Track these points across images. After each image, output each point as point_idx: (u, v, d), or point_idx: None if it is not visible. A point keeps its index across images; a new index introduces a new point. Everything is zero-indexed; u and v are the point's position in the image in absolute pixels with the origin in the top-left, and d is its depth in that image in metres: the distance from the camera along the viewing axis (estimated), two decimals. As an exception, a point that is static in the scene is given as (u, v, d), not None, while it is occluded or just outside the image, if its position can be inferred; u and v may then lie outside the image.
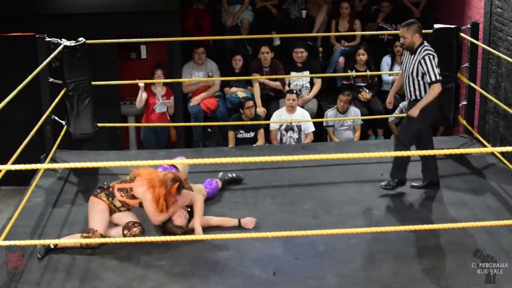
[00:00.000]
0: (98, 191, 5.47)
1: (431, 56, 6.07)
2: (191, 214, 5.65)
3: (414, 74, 6.13)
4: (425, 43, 6.16)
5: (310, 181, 6.65)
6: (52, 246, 5.30)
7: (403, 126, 6.37)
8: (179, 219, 5.53)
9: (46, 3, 9.01)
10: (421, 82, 6.14)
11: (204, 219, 5.70)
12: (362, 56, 9.29)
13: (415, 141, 6.34)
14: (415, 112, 6.11)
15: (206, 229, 5.64)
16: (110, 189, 5.43)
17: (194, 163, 4.75)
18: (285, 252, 5.33)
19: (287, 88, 9.15)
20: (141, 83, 8.77)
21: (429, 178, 6.39)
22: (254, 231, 5.58)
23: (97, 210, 5.39)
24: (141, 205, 5.42)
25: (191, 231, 5.58)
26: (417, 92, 6.17)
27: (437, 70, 6.07)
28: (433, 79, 6.05)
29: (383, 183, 6.36)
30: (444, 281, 4.92)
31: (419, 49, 6.12)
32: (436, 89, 6.08)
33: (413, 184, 6.40)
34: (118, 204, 5.42)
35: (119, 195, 5.40)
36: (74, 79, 6.98)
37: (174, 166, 6.04)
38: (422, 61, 6.06)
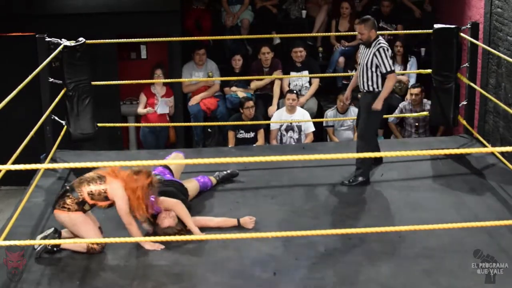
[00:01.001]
0: (67, 202, 5.20)
1: (384, 49, 6.41)
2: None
3: (369, 66, 6.44)
4: (380, 38, 6.49)
5: (310, 181, 6.65)
6: (55, 249, 5.27)
7: (363, 122, 6.56)
8: (165, 220, 5.50)
9: (46, 3, 9.02)
10: (374, 74, 6.44)
11: (203, 220, 5.70)
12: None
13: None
14: (378, 104, 6.42)
15: (206, 229, 5.64)
16: (78, 194, 5.19)
17: (194, 163, 4.76)
18: (285, 252, 5.33)
19: (286, 88, 9.16)
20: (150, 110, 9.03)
21: (362, 174, 6.50)
22: (253, 231, 5.58)
23: (82, 224, 5.22)
24: (110, 205, 5.29)
25: (187, 231, 5.57)
26: (370, 83, 6.47)
27: (390, 62, 6.42)
28: (388, 69, 6.39)
29: (347, 181, 6.52)
30: (444, 281, 4.93)
31: (374, 43, 6.44)
32: (391, 79, 6.43)
33: (344, 182, 6.52)
34: (87, 208, 5.27)
35: (89, 199, 5.22)
36: (74, 79, 6.98)
37: (167, 167, 6.03)
38: (376, 53, 6.39)
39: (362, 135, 6.59)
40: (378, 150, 6.71)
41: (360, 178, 6.49)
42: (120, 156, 7.35)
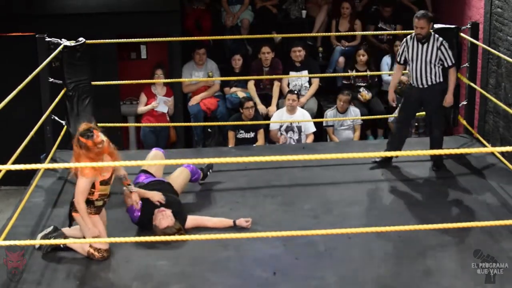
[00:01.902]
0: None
1: (445, 42, 6.59)
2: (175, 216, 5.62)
3: (433, 61, 6.54)
4: (432, 32, 6.61)
5: (310, 181, 6.65)
6: (61, 246, 5.29)
7: (437, 115, 6.74)
8: (163, 221, 5.49)
9: (46, 3, 9.01)
10: (437, 68, 6.57)
11: (200, 219, 5.71)
12: (362, 57, 9.28)
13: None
14: (451, 98, 6.68)
15: (204, 229, 5.64)
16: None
17: (194, 163, 4.77)
18: (285, 252, 5.33)
19: (286, 88, 9.15)
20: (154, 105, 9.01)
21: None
22: (253, 231, 5.58)
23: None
24: (103, 183, 5.21)
25: (186, 230, 5.57)
26: (434, 78, 6.60)
27: (452, 54, 6.63)
28: (453, 62, 6.61)
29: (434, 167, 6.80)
30: (444, 281, 4.93)
31: (432, 38, 6.56)
32: (455, 71, 6.69)
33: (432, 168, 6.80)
34: (99, 203, 5.25)
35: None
36: (74, 79, 6.98)
37: (148, 172, 5.99)
38: (442, 47, 6.54)
39: (440, 124, 6.80)
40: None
41: (442, 161, 6.82)
42: (120, 156, 7.33)
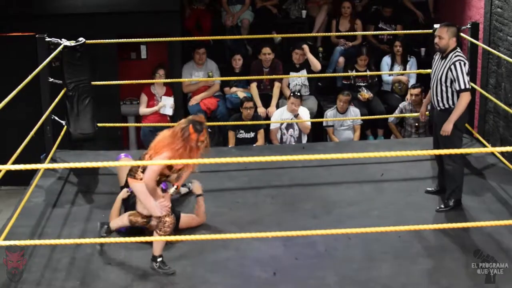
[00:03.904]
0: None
1: (462, 63, 5.79)
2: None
3: (443, 80, 5.87)
4: (458, 49, 5.91)
5: (310, 181, 6.66)
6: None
7: (446, 145, 5.82)
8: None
9: (46, 3, 9.01)
10: (449, 90, 5.86)
11: (189, 217, 5.72)
12: (364, 60, 9.29)
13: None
14: (448, 127, 5.82)
15: (204, 229, 5.65)
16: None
17: (194, 163, 4.77)
18: (285, 252, 5.34)
19: (286, 89, 9.14)
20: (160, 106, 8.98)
21: (455, 195, 5.95)
22: (253, 231, 5.57)
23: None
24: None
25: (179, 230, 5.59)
26: (445, 101, 5.91)
27: (467, 78, 5.80)
28: (462, 87, 5.77)
29: (442, 206, 5.97)
30: (444, 281, 4.93)
31: (451, 54, 5.85)
32: (465, 98, 5.80)
33: (440, 207, 6.00)
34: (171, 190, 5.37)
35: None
36: (74, 79, 6.97)
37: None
38: (452, 66, 5.80)
39: (449, 156, 5.86)
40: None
41: (453, 201, 5.93)
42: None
